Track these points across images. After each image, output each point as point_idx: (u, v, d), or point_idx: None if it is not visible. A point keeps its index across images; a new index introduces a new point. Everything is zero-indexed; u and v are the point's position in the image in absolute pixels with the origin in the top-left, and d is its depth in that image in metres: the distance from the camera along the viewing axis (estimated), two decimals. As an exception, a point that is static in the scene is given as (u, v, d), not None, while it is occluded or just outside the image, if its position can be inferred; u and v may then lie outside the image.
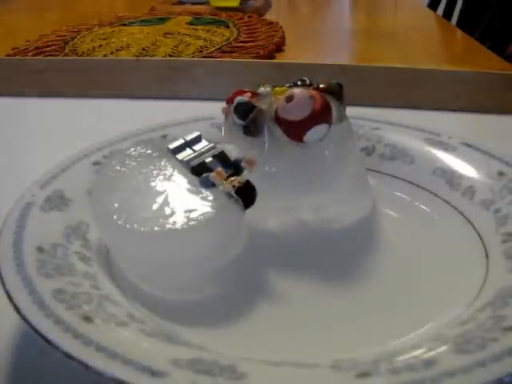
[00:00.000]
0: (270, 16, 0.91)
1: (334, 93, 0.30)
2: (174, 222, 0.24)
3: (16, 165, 0.42)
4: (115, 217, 0.24)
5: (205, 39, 0.72)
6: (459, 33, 0.89)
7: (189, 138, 0.28)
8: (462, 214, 0.31)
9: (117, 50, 0.67)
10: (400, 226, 0.31)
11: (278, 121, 0.28)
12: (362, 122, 0.37)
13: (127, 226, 0.24)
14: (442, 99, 0.51)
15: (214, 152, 0.27)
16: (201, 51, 0.67)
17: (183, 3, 0.97)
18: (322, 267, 0.27)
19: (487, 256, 0.27)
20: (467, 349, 0.19)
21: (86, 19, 0.87)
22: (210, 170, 0.26)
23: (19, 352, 0.24)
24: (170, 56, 0.65)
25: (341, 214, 0.30)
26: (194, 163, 0.27)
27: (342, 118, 0.30)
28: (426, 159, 0.34)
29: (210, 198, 0.25)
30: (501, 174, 0.31)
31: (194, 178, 0.26)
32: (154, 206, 0.25)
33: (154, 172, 0.27)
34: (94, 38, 0.74)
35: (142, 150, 0.28)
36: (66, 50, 0.68)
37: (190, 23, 0.82)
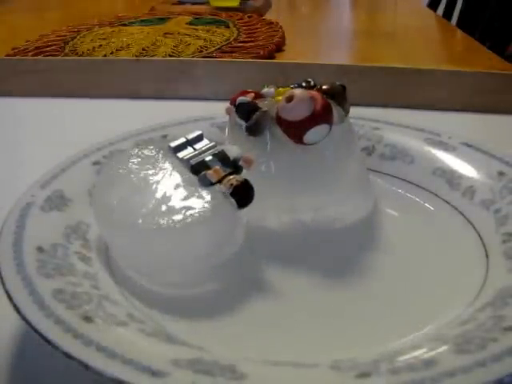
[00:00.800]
0: (269, 16, 0.91)
1: (335, 95, 0.30)
2: (170, 220, 0.24)
3: (16, 165, 0.42)
4: (115, 213, 0.25)
5: (205, 39, 0.72)
6: (459, 33, 0.89)
7: (190, 136, 0.28)
8: (462, 214, 0.31)
9: (117, 50, 0.67)
10: (400, 226, 0.31)
11: (279, 121, 0.28)
12: (362, 122, 0.37)
13: (126, 222, 0.25)
14: (442, 99, 0.51)
15: (214, 151, 0.27)
16: (201, 51, 0.67)
17: (183, 3, 0.97)
18: (322, 267, 0.27)
19: (487, 256, 0.27)
20: (467, 349, 0.19)
21: (86, 19, 0.87)
22: (210, 169, 0.26)
23: (19, 352, 0.24)
24: (170, 56, 0.65)
25: (341, 213, 0.30)
26: (194, 161, 0.27)
27: (343, 118, 0.30)
28: (426, 159, 0.34)
29: (207, 197, 0.25)
30: (501, 173, 0.31)
31: (193, 177, 0.26)
32: (152, 204, 0.25)
33: (154, 171, 0.27)
34: (94, 37, 0.74)
35: (143, 150, 0.28)
36: (66, 50, 0.68)
37: (190, 23, 0.82)
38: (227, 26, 0.80)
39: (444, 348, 0.20)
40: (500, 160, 0.32)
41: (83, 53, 0.67)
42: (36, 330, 0.20)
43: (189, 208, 0.25)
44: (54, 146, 0.43)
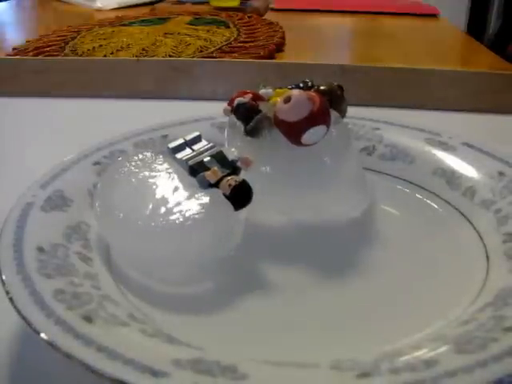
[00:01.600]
0: (269, 16, 0.91)
1: (333, 95, 0.30)
2: (169, 221, 0.25)
3: (16, 165, 0.42)
4: (116, 212, 0.26)
5: (205, 39, 0.72)
6: (459, 33, 0.89)
7: (189, 137, 0.29)
8: (462, 214, 0.31)
9: (117, 50, 0.67)
10: (400, 227, 0.31)
11: (277, 122, 0.28)
12: (362, 122, 0.37)
13: (127, 223, 0.25)
14: (442, 99, 0.51)
15: (213, 152, 0.28)
16: (201, 51, 0.67)
17: (183, 3, 0.97)
18: (322, 267, 0.27)
19: (487, 256, 0.27)
20: (468, 349, 0.19)
21: (86, 20, 0.87)
22: (208, 170, 0.26)
23: (19, 352, 0.24)
24: (170, 56, 0.65)
25: (339, 213, 0.30)
26: (192, 162, 0.27)
27: (338, 119, 0.30)
28: (426, 159, 0.34)
29: (205, 198, 0.26)
30: (501, 174, 0.31)
31: (192, 179, 0.26)
32: (152, 206, 0.26)
33: (154, 173, 0.27)
34: (94, 38, 0.74)
35: (143, 153, 0.29)
36: (66, 50, 0.68)
37: (190, 23, 0.82)
38: (227, 26, 0.80)
39: (444, 348, 0.20)
40: (500, 160, 0.32)
41: (83, 53, 0.67)
42: (36, 331, 0.20)
43: (187, 209, 0.25)
44: (54, 146, 0.43)
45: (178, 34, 0.75)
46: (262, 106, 0.29)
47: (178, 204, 0.25)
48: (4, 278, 0.22)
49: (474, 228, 0.29)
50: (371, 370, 0.19)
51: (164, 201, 0.26)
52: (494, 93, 0.50)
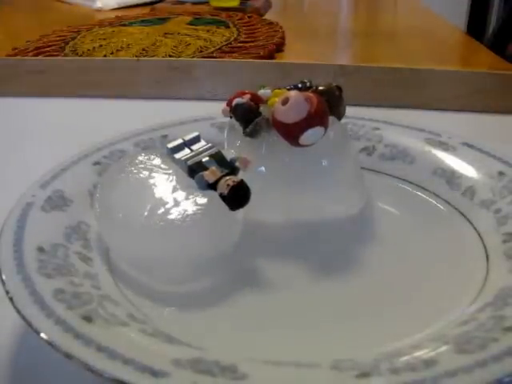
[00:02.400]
0: (269, 16, 0.91)
1: (331, 96, 0.30)
2: (168, 221, 0.25)
3: (16, 165, 0.42)
4: (116, 212, 0.26)
5: (205, 39, 0.72)
6: (459, 32, 0.89)
7: (187, 138, 0.29)
8: (462, 214, 0.31)
9: (117, 50, 0.67)
10: (400, 226, 0.31)
11: (275, 123, 0.28)
12: (362, 122, 0.37)
13: (126, 223, 0.26)
14: (442, 99, 0.51)
15: (211, 152, 0.28)
16: (201, 51, 0.67)
17: (183, 3, 0.97)
18: (322, 267, 0.27)
19: (487, 256, 0.27)
20: (468, 349, 0.19)
21: (86, 20, 0.87)
22: (207, 170, 0.26)
23: (19, 352, 0.24)
24: (170, 56, 0.65)
25: (337, 212, 0.31)
26: (191, 162, 0.27)
27: (334, 121, 0.30)
28: (426, 159, 0.34)
29: (203, 198, 0.26)
30: (501, 173, 0.31)
31: (191, 180, 0.27)
32: (151, 206, 0.26)
33: (153, 174, 0.27)
34: (94, 38, 0.74)
35: (142, 155, 0.29)
36: (66, 50, 0.68)
37: (190, 23, 0.82)
38: (227, 26, 0.80)
39: (444, 348, 0.20)
40: (500, 160, 0.32)
41: (83, 53, 0.67)
42: (36, 330, 0.20)
43: (185, 209, 0.25)
44: (54, 146, 0.43)
45: (178, 34, 0.75)
46: (263, 108, 0.29)
47: (177, 204, 0.26)
48: (4, 277, 0.22)
49: (474, 228, 0.29)
50: (371, 370, 0.19)
51: (163, 201, 0.26)
52: (494, 93, 0.50)
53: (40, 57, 0.64)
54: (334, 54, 0.75)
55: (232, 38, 0.73)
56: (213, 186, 0.26)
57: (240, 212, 0.26)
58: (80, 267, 0.25)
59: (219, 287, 0.26)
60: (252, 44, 0.70)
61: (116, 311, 0.22)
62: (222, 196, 0.25)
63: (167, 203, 0.26)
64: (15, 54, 0.66)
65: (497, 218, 0.29)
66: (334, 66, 0.53)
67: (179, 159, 0.28)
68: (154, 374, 0.18)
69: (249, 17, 0.86)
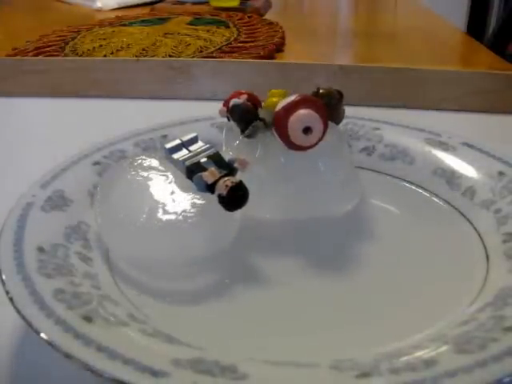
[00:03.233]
0: (269, 16, 0.91)
1: (330, 100, 0.30)
2: (164, 221, 0.25)
3: (16, 165, 0.42)
4: (115, 213, 0.27)
5: (205, 39, 0.72)
6: (459, 33, 0.89)
7: (185, 138, 0.29)
8: (462, 214, 0.31)
9: (117, 50, 0.67)
10: (400, 227, 0.31)
11: (278, 130, 0.28)
12: (362, 122, 0.37)
13: (125, 221, 0.26)
14: (442, 99, 0.51)
15: (209, 153, 0.28)
16: (201, 51, 0.67)
17: (183, 3, 0.97)
18: (321, 267, 0.27)
19: (487, 256, 0.27)
20: (468, 349, 0.19)
21: (86, 20, 0.87)
22: (205, 170, 0.26)
23: (19, 352, 0.24)
24: (170, 56, 0.65)
25: (333, 210, 0.31)
26: (189, 163, 0.27)
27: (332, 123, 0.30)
28: (426, 159, 0.34)
29: (201, 199, 0.26)
30: (501, 174, 0.31)
31: (189, 181, 0.27)
32: (149, 206, 0.26)
33: (152, 175, 0.28)
34: (94, 38, 0.74)
35: (142, 157, 0.29)
36: (66, 50, 0.68)
37: (190, 23, 0.82)
38: (227, 26, 0.80)
39: (444, 348, 0.20)
40: (500, 160, 0.32)
41: (83, 53, 0.67)
42: (36, 330, 0.20)
43: (183, 210, 0.26)
44: (54, 146, 0.43)
45: (178, 34, 0.75)
46: (262, 112, 0.29)
47: (175, 205, 0.26)
48: (4, 277, 0.22)
49: (474, 228, 0.29)
50: (371, 370, 0.19)
51: (161, 202, 0.26)
52: (494, 93, 0.50)
53: (40, 57, 0.64)
54: (334, 54, 0.75)
55: (232, 38, 0.73)
56: (211, 187, 0.26)
57: (237, 212, 0.26)
58: (80, 267, 0.25)
59: (219, 287, 0.26)
60: (252, 44, 0.70)
61: (116, 311, 0.22)
62: (220, 197, 0.25)
63: (165, 204, 0.26)
64: (15, 54, 0.66)
65: (497, 218, 0.29)
66: (333, 66, 0.53)
67: (177, 159, 0.28)
68: (154, 373, 0.18)
69: (249, 17, 0.86)
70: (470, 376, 0.18)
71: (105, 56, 0.65)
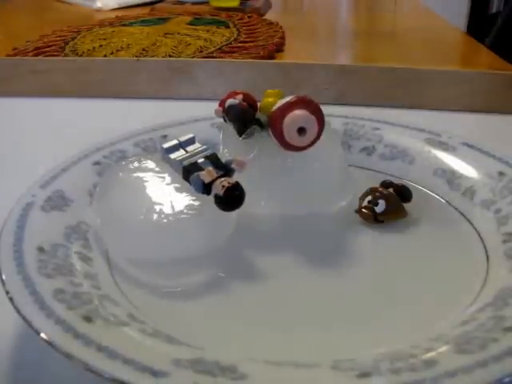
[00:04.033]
0: (269, 16, 0.91)
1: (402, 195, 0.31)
2: (162, 221, 0.26)
3: (16, 165, 0.42)
4: (115, 213, 0.27)
5: (205, 39, 0.72)
6: (459, 33, 0.89)
7: (183, 139, 0.29)
8: (462, 214, 0.31)
9: (117, 50, 0.67)
10: (400, 226, 0.31)
11: (274, 131, 0.28)
12: (362, 122, 0.38)
13: (124, 221, 0.27)
14: (442, 99, 0.51)
15: (207, 153, 0.28)
16: (201, 51, 0.67)
17: (183, 3, 0.97)
18: (321, 267, 0.27)
19: (487, 256, 0.27)
20: (468, 349, 0.19)
21: (86, 20, 0.87)
22: (202, 170, 0.26)
23: (19, 352, 0.24)
24: (170, 56, 0.65)
25: (327, 206, 0.31)
26: (187, 163, 0.27)
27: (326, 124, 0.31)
28: (426, 159, 0.34)
29: (199, 200, 0.26)
30: (501, 174, 0.31)
31: (186, 183, 0.27)
32: (147, 207, 0.26)
33: (151, 176, 0.28)
34: (94, 38, 0.74)
35: (141, 158, 0.30)
36: (66, 50, 0.68)
37: (190, 23, 0.82)
38: (227, 26, 0.80)
39: (444, 348, 0.20)
40: (500, 160, 0.32)
41: (83, 53, 0.67)
42: (36, 330, 0.20)
43: (180, 211, 0.26)
44: (54, 146, 0.43)
45: (178, 34, 0.75)
46: (259, 115, 0.29)
47: (172, 206, 0.26)
48: (4, 277, 0.22)
49: (474, 228, 0.29)
50: (371, 370, 0.19)
51: (158, 203, 0.26)
52: (495, 93, 0.50)
53: (40, 57, 0.64)
54: (334, 54, 0.75)
55: (232, 38, 0.73)
56: (208, 187, 0.26)
57: (234, 211, 0.26)
58: (80, 267, 0.25)
59: (219, 287, 0.26)
60: (252, 44, 0.70)
61: (116, 311, 0.22)
62: (216, 197, 0.25)
63: (162, 205, 0.26)
64: (15, 54, 0.66)
65: (497, 218, 0.29)
66: (333, 66, 0.53)
67: (174, 159, 0.28)
68: (154, 373, 0.18)
69: (249, 17, 0.86)
70: (470, 376, 0.18)
71: (105, 56, 0.65)
